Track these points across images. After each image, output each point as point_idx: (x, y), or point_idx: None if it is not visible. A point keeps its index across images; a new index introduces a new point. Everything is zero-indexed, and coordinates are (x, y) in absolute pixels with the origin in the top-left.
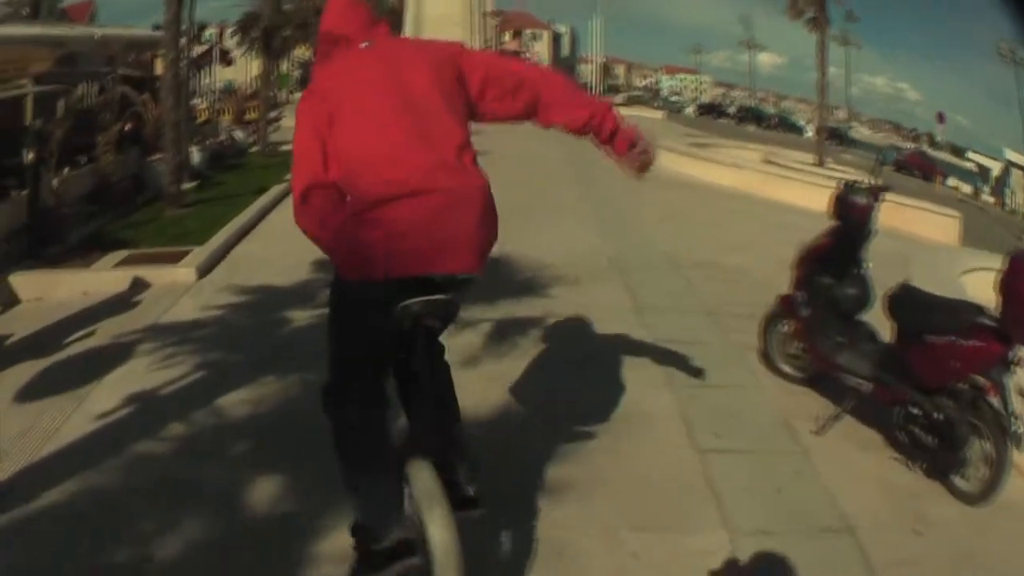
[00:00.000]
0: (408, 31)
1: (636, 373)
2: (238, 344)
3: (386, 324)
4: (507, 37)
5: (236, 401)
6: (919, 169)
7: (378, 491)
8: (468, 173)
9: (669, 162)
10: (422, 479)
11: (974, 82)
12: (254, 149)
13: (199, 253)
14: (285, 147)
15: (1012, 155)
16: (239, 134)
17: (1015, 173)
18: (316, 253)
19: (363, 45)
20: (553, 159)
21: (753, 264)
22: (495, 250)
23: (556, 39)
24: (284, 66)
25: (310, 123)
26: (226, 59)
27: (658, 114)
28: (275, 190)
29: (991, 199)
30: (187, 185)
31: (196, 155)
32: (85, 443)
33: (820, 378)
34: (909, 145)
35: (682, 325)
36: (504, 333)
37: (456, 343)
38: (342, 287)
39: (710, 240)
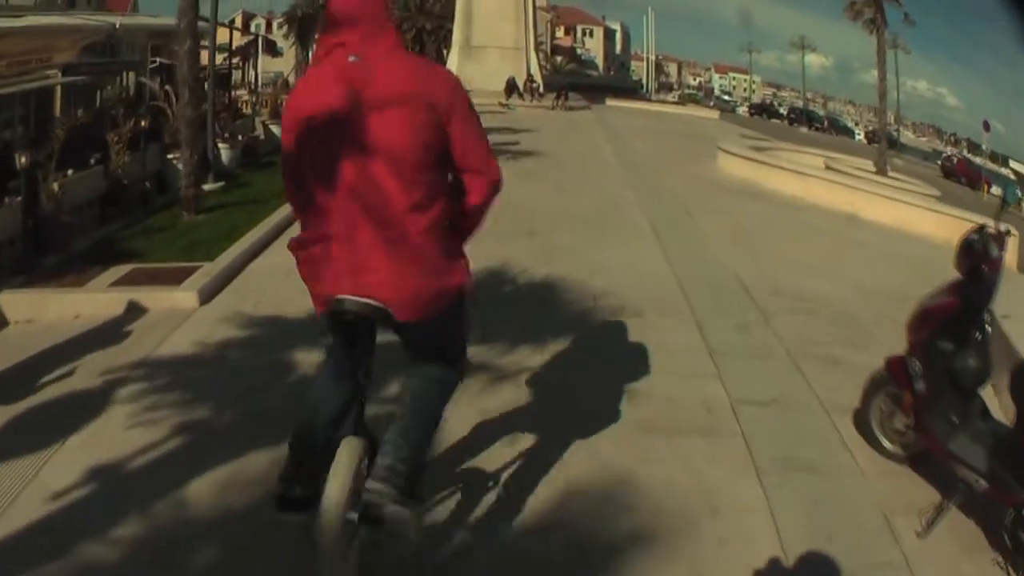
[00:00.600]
0: (458, 25)
1: (714, 449)
2: (235, 396)
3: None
4: (560, 33)
5: (219, 484)
6: (965, 176)
7: (298, 436)
8: (394, 226)
9: (733, 168)
10: (342, 450)
11: (1005, 88)
12: None
13: (206, 271)
14: None
15: None
16: (276, 128)
17: None
18: None
19: (351, 58)
20: (611, 164)
21: (831, 290)
22: (547, 274)
23: (608, 35)
24: None
25: (289, 127)
26: (273, 50)
27: (713, 113)
28: None
29: None
30: (211, 186)
31: (225, 152)
32: (30, 537)
33: (923, 458)
34: (949, 150)
35: (763, 376)
36: (552, 389)
37: (496, 401)
38: None
39: (782, 260)
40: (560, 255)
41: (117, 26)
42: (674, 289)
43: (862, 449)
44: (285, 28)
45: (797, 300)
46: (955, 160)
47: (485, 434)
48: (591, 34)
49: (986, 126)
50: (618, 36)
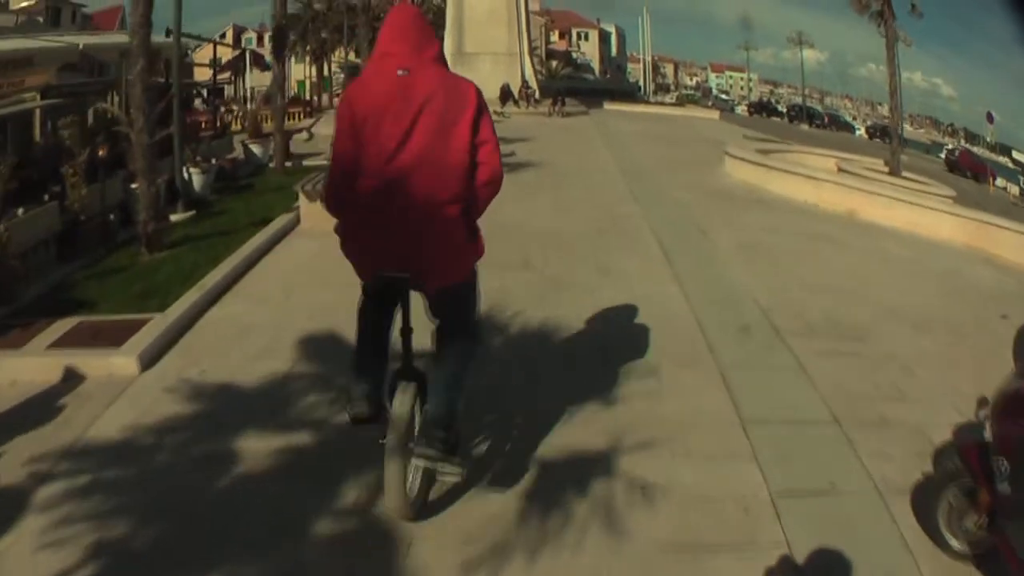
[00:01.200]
0: (449, 31)
1: (754, 569)
2: (160, 504)
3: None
4: (555, 37)
5: None
6: (970, 169)
7: (357, 366)
8: (429, 213)
9: (741, 174)
10: (399, 394)
11: (1003, 77)
12: (272, 165)
13: (154, 326)
14: (315, 160)
15: None
16: (256, 148)
17: None
18: (316, 319)
19: (400, 72)
20: (612, 174)
21: (868, 321)
22: (544, 320)
23: (604, 38)
24: (327, 69)
25: (341, 125)
26: (262, 64)
27: (713, 114)
28: (281, 221)
29: None
30: (180, 216)
31: (197, 177)
32: None
33: (992, 558)
34: (947, 141)
35: (807, 453)
36: (546, 498)
37: (471, 523)
38: None
39: (806, 283)
40: (560, 293)
41: (80, 47)
42: (693, 331)
43: (922, 543)
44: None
45: (831, 337)
46: (957, 153)
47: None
48: (586, 37)
49: (990, 117)
50: (613, 38)
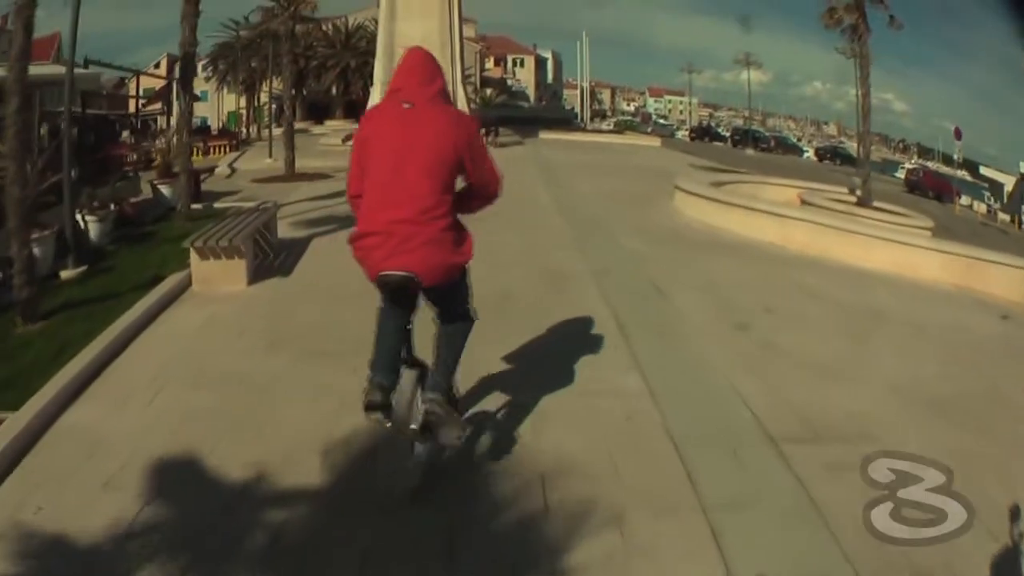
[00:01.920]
0: (379, 60)
1: None
2: None
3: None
4: (490, 64)
5: None
6: (933, 189)
7: (376, 360)
8: (421, 222)
9: (693, 211)
10: (404, 378)
11: (961, 88)
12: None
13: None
14: (230, 199)
15: None
16: (166, 189)
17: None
18: (181, 434)
19: (405, 106)
20: (551, 216)
21: (874, 412)
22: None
23: (540, 64)
24: (256, 99)
25: (356, 147)
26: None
27: (655, 141)
28: (171, 283)
29: (1006, 217)
30: (70, 272)
31: (94, 226)
32: None
33: None
34: (899, 157)
35: None
36: None
37: None
38: None
39: (797, 362)
40: (489, 398)
41: None
42: (668, 455)
43: None
44: (209, 70)
45: (837, 445)
46: (921, 173)
47: None
48: (522, 64)
49: (958, 133)
50: (550, 64)
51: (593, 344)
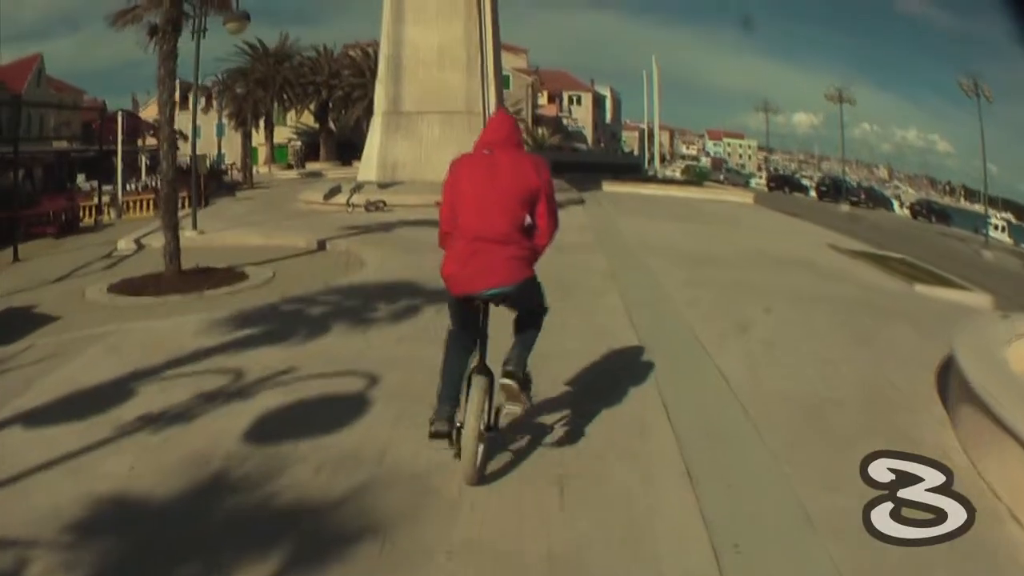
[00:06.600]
0: (381, 81)
1: None
2: None
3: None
4: (543, 100)
5: None
6: None
7: (444, 392)
8: (503, 244)
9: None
10: (474, 383)
11: (998, 124)
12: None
13: None
14: None
15: None
16: None
17: None
18: None
19: (485, 152)
20: (642, 396)
21: None
22: None
23: (598, 102)
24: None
25: (448, 188)
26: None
27: (743, 195)
28: None
29: None
30: None
31: None
32: None
33: None
34: (945, 199)
35: None
36: None
37: None
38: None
39: None
40: None
41: None
42: None
43: None
44: (216, 103)
45: None
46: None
47: None
48: (579, 101)
49: None
50: (608, 103)
51: None
